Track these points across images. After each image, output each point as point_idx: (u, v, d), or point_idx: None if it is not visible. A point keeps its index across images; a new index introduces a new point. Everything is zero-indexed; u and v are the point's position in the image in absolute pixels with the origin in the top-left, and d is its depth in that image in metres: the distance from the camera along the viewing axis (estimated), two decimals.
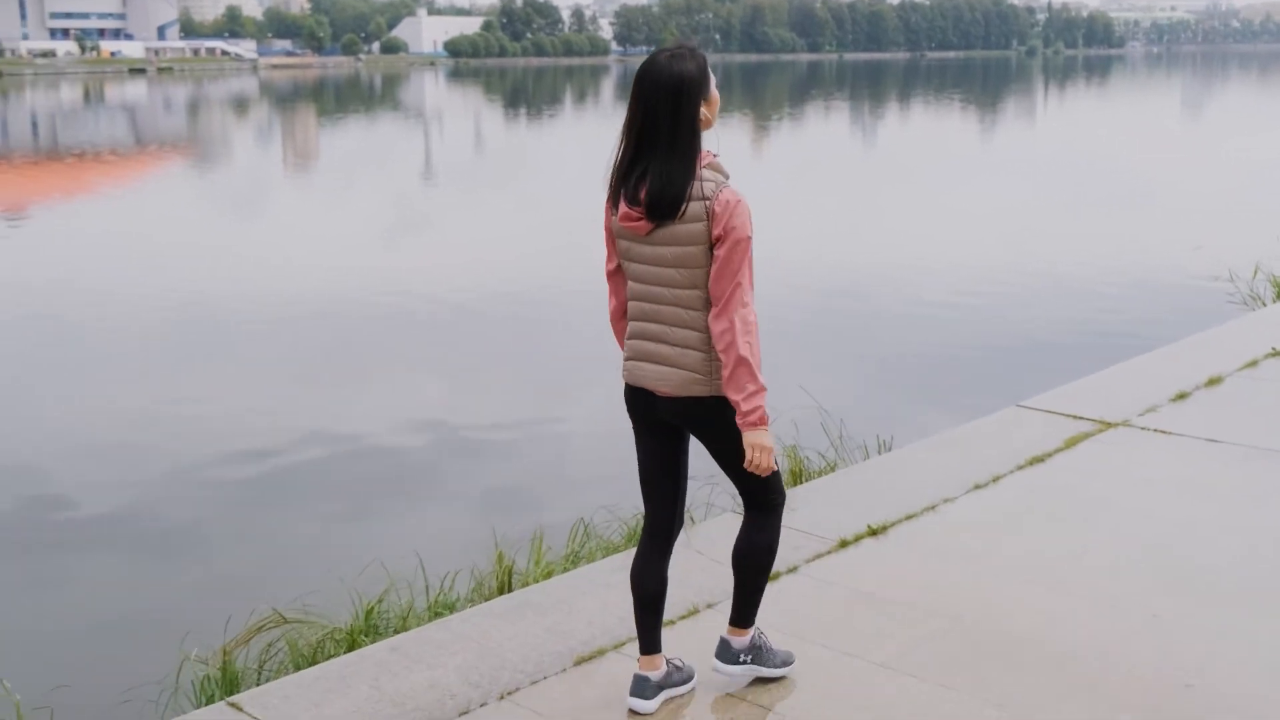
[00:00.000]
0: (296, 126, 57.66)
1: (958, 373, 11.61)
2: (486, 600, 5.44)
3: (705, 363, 3.80)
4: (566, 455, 9.60)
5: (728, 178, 3.77)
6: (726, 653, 4.29)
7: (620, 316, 4.07)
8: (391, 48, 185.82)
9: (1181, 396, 7.73)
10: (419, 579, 5.81)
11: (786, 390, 6.86)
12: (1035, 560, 5.40)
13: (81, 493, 8.92)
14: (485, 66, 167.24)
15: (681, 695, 4.29)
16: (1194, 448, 6.81)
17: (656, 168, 3.68)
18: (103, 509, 8.60)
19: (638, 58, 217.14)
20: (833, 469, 7.07)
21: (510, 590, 5.52)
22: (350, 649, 5.11)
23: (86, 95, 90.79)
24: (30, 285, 16.68)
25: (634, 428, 4.08)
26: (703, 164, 3.73)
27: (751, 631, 4.27)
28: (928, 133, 48.77)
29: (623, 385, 4.06)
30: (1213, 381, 8.07)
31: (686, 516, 4.75)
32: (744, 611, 4.23)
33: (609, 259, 4.02)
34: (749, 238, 3.70)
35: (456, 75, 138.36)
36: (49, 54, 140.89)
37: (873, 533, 5.69)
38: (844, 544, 5.56)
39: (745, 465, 3.82)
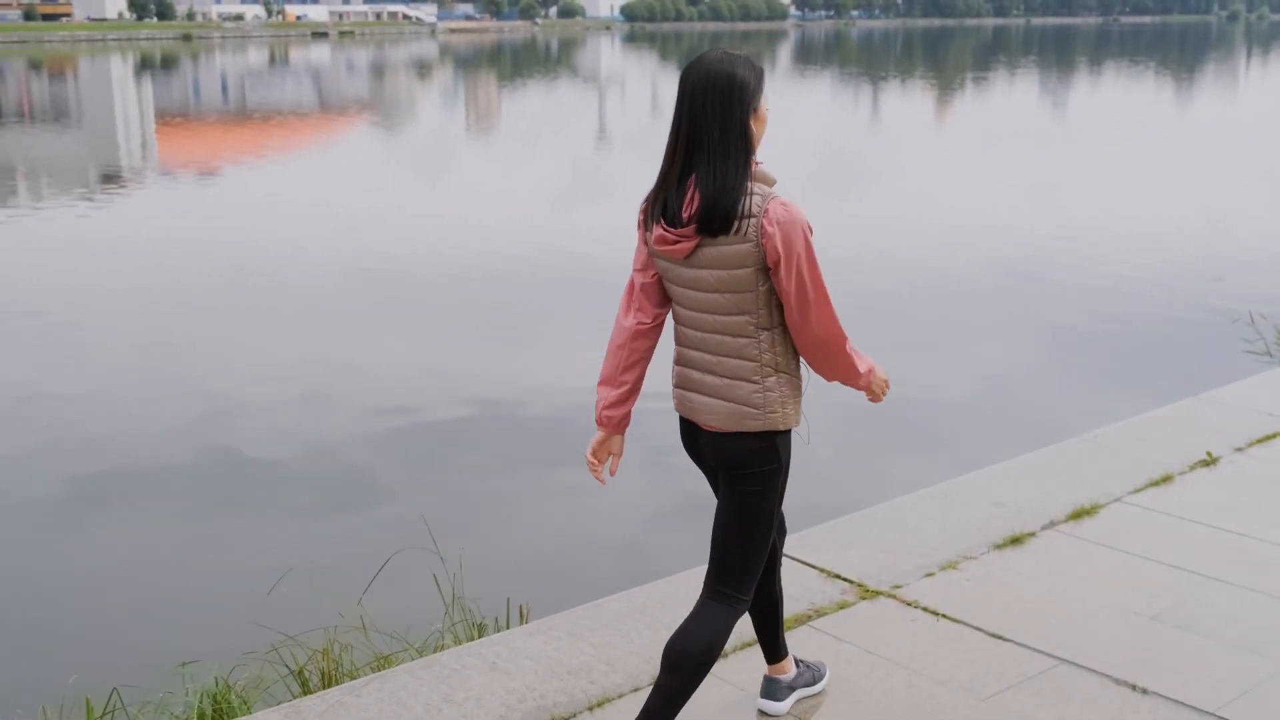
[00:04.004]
0: (478, 89, 57.97)
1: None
2: None
3: (759, 395, 3.41)
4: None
5: (774, 184, 3.35)
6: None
7: (628, 339, 3.53)
8: (568, 11, 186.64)
9: (1015, 541, 5.29)
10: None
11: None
12: None
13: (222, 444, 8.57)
14: (661, 31, 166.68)
15: (813, 695, 4.14)
16: (964, 651, 4.39)
17: (705, 178, 3.25)
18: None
19: (816, 23, 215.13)
20: (386, 663, 4.70)
21: None
22: None
23: (272, 58, 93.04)
24: (218, 243, 16.76)
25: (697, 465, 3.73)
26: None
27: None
28: (1116, 102, 46.38)
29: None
30: (1079, 514, 5.55)
31: None
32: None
33: (638, 268, 3.52)
34: (811, 250, 3.29)
35: (632, 39, 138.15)
36: (238, 17, 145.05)
37: None
38: None
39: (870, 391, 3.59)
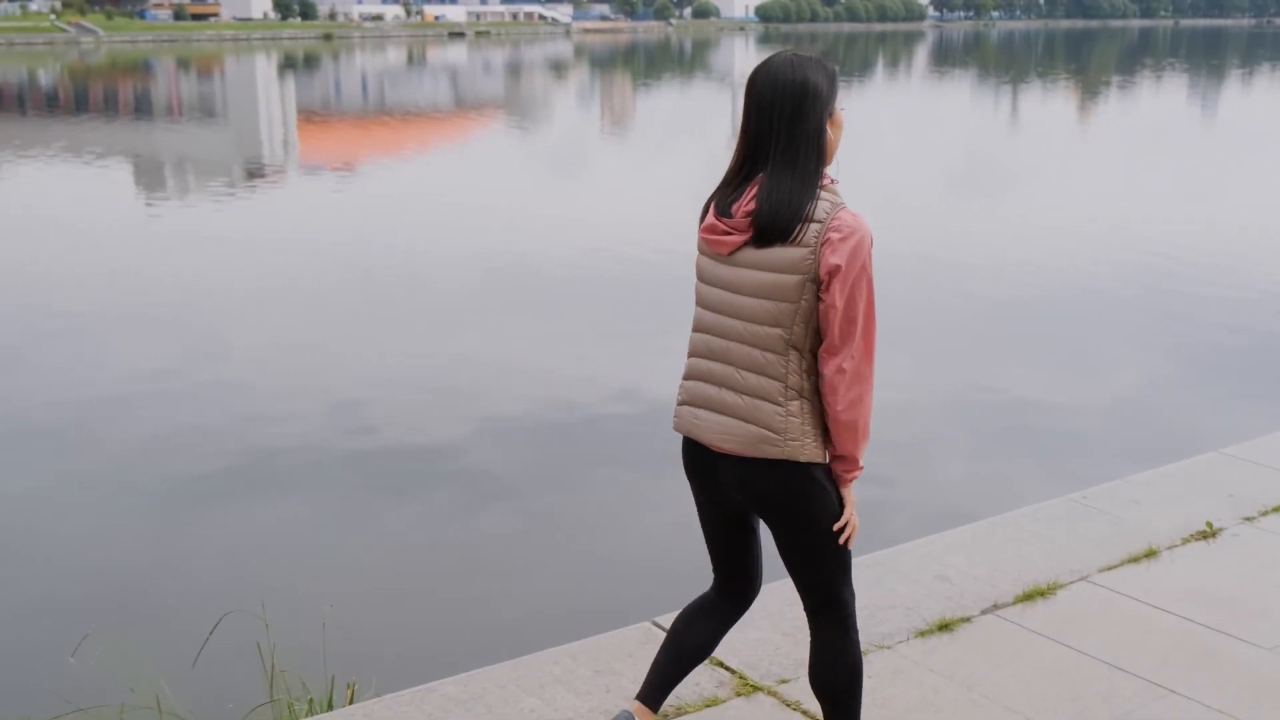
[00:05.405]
0: (612, 89, 57.94)
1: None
2: None
3: (780, 418, 3.06)
4: None
5: (844, 205, 3.06)
6: None
7: None
8: (702, 12, 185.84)
9: (945, 627, 4.56)
10: None
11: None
12: None
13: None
14: (796, 32, 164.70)
15: None
16: None
17: (770, 183, 3.01)
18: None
19: (954, 24, 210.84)
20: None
21: None
22: None
23: (410, 57, 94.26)
24: (356, 239, 16.86)
25: (692, 489, 3.36)
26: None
27: None
28: (1268, 108, 44.34)
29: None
30: (1031, 595, 4.76)
31: None
32: None
33: None
34: (871, 270, 3.02)
35: (766, 40, 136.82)
36: (377, 18, 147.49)
37: None
38: None
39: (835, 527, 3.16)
